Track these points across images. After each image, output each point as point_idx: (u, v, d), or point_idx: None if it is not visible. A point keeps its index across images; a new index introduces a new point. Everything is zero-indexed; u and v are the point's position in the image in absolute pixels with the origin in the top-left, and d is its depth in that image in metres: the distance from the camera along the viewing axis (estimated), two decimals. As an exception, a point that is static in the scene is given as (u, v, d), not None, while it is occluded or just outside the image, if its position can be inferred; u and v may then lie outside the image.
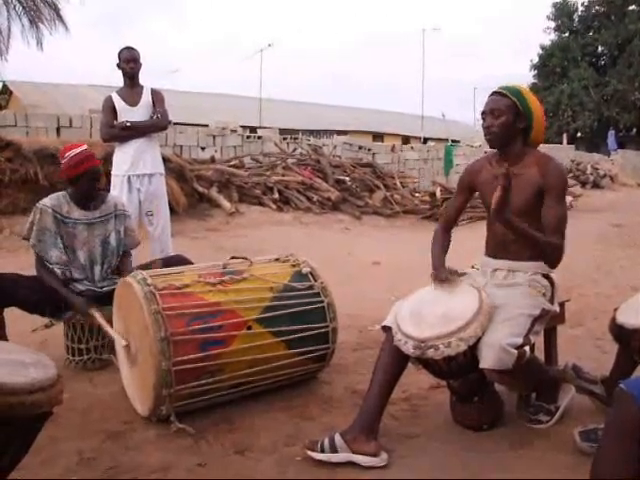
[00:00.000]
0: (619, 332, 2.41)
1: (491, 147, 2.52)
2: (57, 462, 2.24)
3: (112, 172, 4.44)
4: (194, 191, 8.87)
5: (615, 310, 2.48)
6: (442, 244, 2.66)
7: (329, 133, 22.18)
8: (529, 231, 2.28)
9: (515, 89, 2.46)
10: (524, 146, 2.47)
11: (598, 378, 2.57)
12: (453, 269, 2.48)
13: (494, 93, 2.48)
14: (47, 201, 3.23)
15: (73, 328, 3.17)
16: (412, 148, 16.00)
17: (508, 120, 2.40)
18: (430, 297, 2.38)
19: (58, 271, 3.17)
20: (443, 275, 2.43)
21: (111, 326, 2.93)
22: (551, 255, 2.34)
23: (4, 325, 3.07)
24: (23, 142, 7.74)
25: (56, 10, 16.17)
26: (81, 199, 3.29)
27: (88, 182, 3.24)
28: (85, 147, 3.31)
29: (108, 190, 4.13)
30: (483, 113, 2.48)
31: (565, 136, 27.64)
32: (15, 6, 15.70)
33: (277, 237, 7.90)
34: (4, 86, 23.14)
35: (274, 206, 9.48)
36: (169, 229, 4.58)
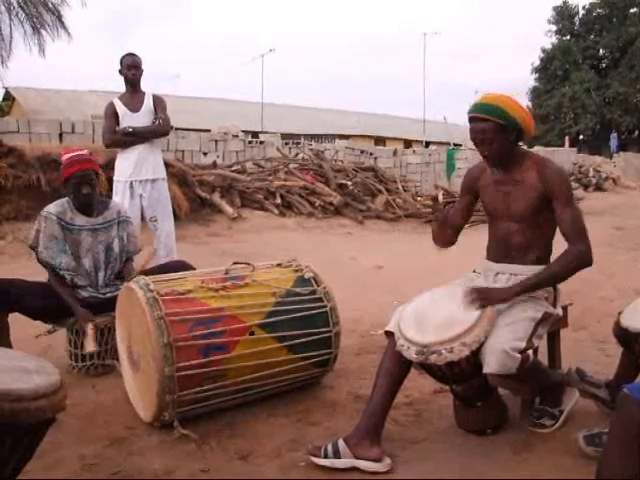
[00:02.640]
0: (623, 336, 2.40)
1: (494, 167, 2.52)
2: (60, 468, 2.24)
3: (114, 178, 4.45)
4: (196, 196, 8.88)
5: (619, 314, 2.47)
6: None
7: (331, 137, 22.23)
8: (543, 277, 2.31)
9: (492, 106, 2.33)
10: (520, 149, 2.47)
11: (602, 382, 2.56)
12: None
13: (475, 119, 2.37)
14: (51, 208, 3.24)
15: (76, 334, 3.17)
16: (414, 152, 15.98)
17: (500, 142, 2.36)
18: (432, 302, 2.37)
19: (68, 277, 3.17)
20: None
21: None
22: (583, 264, 2.31)
23: (8, 331, 3.07)
24: (26, 148, 7.77)
25: (58, 16, 16.23)
26: (77, 205, 3.27)
27: (73, 186, 3.19)
28: (83, 151, 3.29)
29: (109, 196, 4.14)
30: (473, 140, 2.44)
31: (567, 139, 27.62)
32: (17, 13, 15.76)
33: (279, 242, 7.90)
34: (7, 92, 23.21)
35: (276, 211, 9.49)
36: (173, 234, 4.60)
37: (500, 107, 2.33)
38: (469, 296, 2.26)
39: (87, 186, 3.21)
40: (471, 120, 2.40)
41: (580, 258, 2.30)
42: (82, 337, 3.10)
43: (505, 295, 2.30)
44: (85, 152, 3.32)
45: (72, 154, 3.25)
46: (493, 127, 2.33)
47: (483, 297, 2.26)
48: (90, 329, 3.03)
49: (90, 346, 3.02)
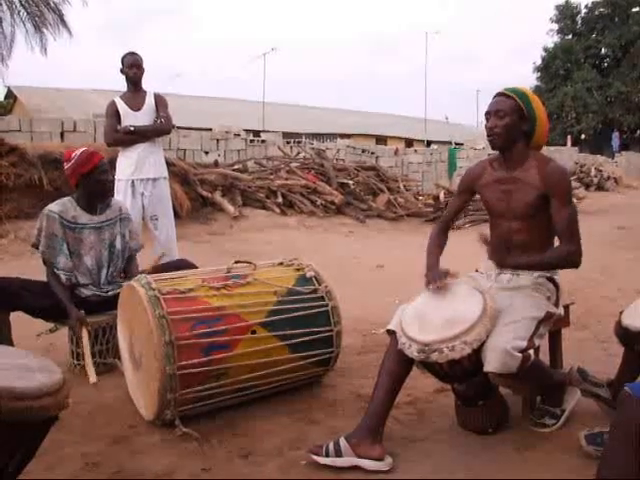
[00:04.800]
0: (625, 335, 2.40)
1: (493, 148, 2.50)
2: (62, 466, 2.24)
3: (116, 177, 4.44)
4: (198, 195, 8.88)
5: (621, 313, 2.47)
6: (438, 243, 2.66)
7: (332, 136, 22.23)
8: (539, 260, 2.38)
9: (520, 91, 2.46)
10: (526, 149, 2.46)
11: (604, 381, 2.56)
12: (446, 270, 2.45)
13: (499, 94, 2.47)
14: (53, 207, 3.24)
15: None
16: (415, 151, 16.00)
17: (512, 121, 2.39)
18: (434, 300, 2.37)
19: (64, 277, 3.17)
20: (435, 276, 2.41)
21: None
22: (571, 264, 2.38)
23: (10, 329, 3.07)
24: (27, 147, 7.77)
25: (60, 15, 16.24)
26: (93, 198, 3.29)
27: (100, 175, 3.24)
28: (87, 148, 3.35)
29: (112, 195, 4.14)
30: (487, 113, 2.47)
31: (569, 138, 27.60)
32: (19, 11, 15.78)
33: (281, 241, 7.90)
34: (8, 91, 23.25)
35: (278, 210, 9.49)
36: (174, 233, 4.60)
37: (527, 95, 2.45)
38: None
39: (109, 173, 3.35)
40: (495, 97, 2.48)
41: (568, 258, 2.36)
42: (81, 348, 3.07)
43: (503, 260, 2.42)
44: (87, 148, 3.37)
45: (82, 149, 3.29)
46: (512, 105, 2.41)
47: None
48: (85, 337, 3.01)
49: (93, 378, 2.83)
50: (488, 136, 2.46)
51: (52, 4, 16.08)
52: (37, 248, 3.23)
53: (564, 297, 2.56)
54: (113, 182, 3.44)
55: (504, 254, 2.41)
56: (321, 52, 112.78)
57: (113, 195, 3.47)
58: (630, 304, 2.49)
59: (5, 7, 15.54)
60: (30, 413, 1.52)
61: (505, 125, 2.40)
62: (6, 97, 23.73)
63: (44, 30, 16.16)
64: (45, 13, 16.04)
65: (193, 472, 2.21)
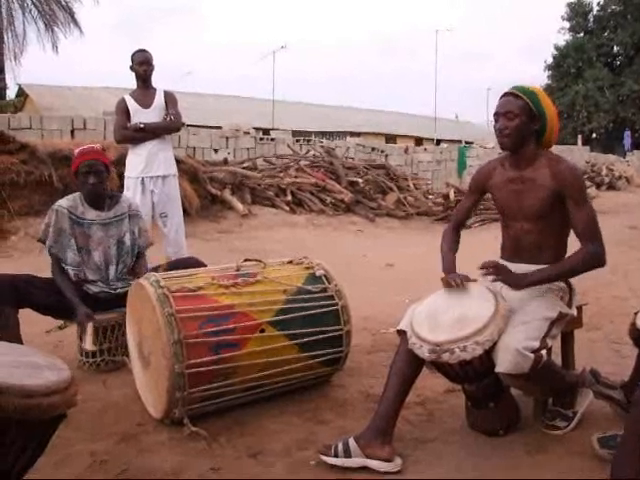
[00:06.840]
0: (639, 336, 2.36)
1: (503, 150, 2.46)
2: (70, 464, 2.24)
3: (125, 174, 4.46)
4: (207, 193, 8.88)
5: (635, 314, 2.43)
6: (451, 244, 2.63)
7: (342, 135, 22.20)
8: (558, 271, 2.31)
9: (529, 90, 2.40)
10: (537, 148, 2.42)
11: (617, 383, 2.52)
12: (464, 275, 2.41)
13: (507, 94, 2.41)
14: (63, 202, 3.25)
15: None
16: (425, 150, 15.94)
17: (522, 122, 2.35)
18: (445, 300, 2.34)
19: (72, 272, 3.17)
20: (454, 280, 2.36)
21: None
22: (596, 265, 2.29)
23: (19, 327, 3.07)
24: (38, 144, 7.81)
25: (71, 14, 16.36)
26: (86, 197, 3.27)
27: (83, 177, 3.19)
28: (94, 145, 3.33)
29: (121, 192, 4.15)
30: (496, 114, 2.42)
31: (580, 137, 27.41)
32: (31, 10, 15.90)
33: (290, 239, 7.89)
34: (19, 89, 23.36)
35: (287, 208, 9.48)
36: (183, 230, 4.60)
37: (536, 94, 2.39)
38: (487, 267, 2.29)
39: (94, 176, 3.19)
40: (503, 96, 2.42)
41: (592, 259, 2.28)
42: (81, 333, 3.10)
43: (518, 282, 2.30)
44: (96, 146, 3.36)
45: (83, 147, 3.29)
46: (522, 105, 2.35)
47: (499, 273, 2.29)
48: (90, 327, 3.03)
49: (88, 345, 3.00)
50: (498, 137, 2.41)
51: (63, 2, 16.19)
52: (43, 243, 3.22)
53: (577, 298, 2.52)
54: (102, 185, 3.24)
55: (520, 277, 2.31)
56: (331, 50, 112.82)
57: (103, 197, 3.32)
58: (644, 305, 2.46)
59: (17, 6, 15.65)
60: (39, 411, 1.51)
61: (515, 127, 2.35)
62: (17, 95, 23.83)
63: (55, 28, 16.27)
64: (56, 11, 16.16)
65: (201, 471, 2.20)
